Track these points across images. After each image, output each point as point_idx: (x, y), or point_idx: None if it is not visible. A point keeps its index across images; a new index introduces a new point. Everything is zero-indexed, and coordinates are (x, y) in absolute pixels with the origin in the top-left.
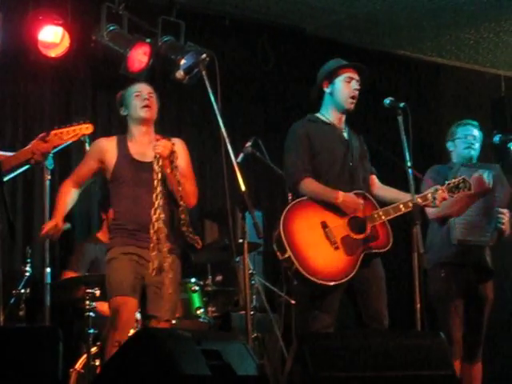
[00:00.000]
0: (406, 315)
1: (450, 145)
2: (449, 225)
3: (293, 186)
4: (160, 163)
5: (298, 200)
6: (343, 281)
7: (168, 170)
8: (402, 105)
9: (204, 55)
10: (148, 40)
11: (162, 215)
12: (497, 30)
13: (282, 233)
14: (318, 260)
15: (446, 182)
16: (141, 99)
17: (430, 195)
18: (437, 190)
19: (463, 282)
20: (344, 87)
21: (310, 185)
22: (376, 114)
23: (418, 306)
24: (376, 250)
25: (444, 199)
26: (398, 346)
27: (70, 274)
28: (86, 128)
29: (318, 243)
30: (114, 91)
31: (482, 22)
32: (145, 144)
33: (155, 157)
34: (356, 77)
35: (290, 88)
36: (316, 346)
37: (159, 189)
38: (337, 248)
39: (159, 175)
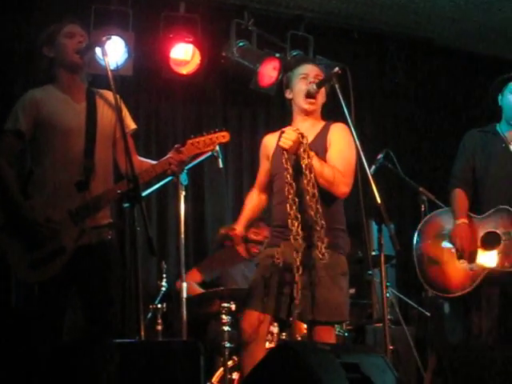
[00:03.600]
0: None
1: None
2: None
3: (448, 193)
4: (286, 156)
5: (444, 209)
6: (456, 295)
7: (304, 161)
8: None
9: (337, 68)
10: (277, 55)
11: (294, 208)
12: None
13: (415, 238)
14: (438, 270)
15: None
16: (306, 84)
17: None
18: None
19: None
20: (510, 99)
21: (453, 196)
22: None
23: None
24: (500, 268)
25: None
26: None
27: (194, 272)
28: (223, 136)
29: (445, 253)
30: (244, 106)
31: None
32: (305, 131)
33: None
34: None
35: (418, 99)
36: (456, 359)
37: (291, 181)
38: (462, 261)
39: (290, 170)
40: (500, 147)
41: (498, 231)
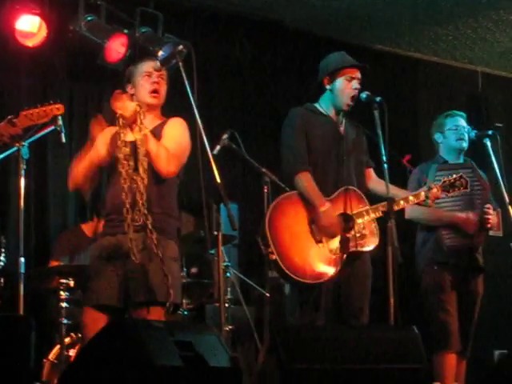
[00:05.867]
0: (382, 310)
1: (438, 137)
2: (437, 230)
3: (288, 176)
4: (121, 124)
5: (288, 194)
6: (323, 279)
7: (137, 135)
8: (378, 99)
9: (181, 46)
10: (126, 31)
11: (126, 195)
12: (474, 26)
13: (266, 227)
14: (301, 257)
15: (442, 180)
16: (150, 82)
17: (423, 193)
18: (430, 189)
19: (455, 278)
20: (344, 87)
21: (304, 180)
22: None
23: (392, 300)
24: (362, 248)
25: (437, 198)
26: (371, 340)
27: (53, 263)
28: (57, 108)
29: (303, 240)
30: (90, 81)
31: (460, 17)
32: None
33: (117, 119)
34: (357, 75)
35: (267, 80)
36: (289, 338)
37: (126, 161)
38: (322, 246)
39: (123, 138)
40: (330, 127)
41: (349, 212)
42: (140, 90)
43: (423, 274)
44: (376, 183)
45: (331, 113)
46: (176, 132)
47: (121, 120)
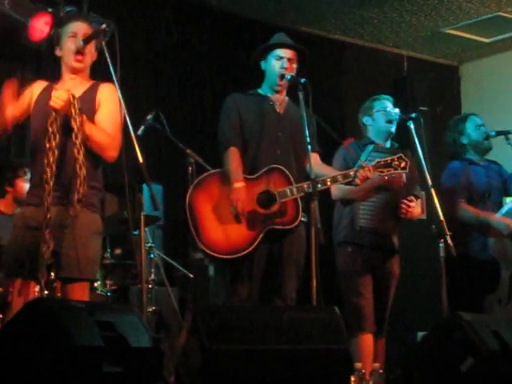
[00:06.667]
0: (305, 290)
1: (366, 119)
2: (353, 210)
3: (220, 154)
4: (53, 117)
5: (212, 171)
6: (238, 255)
7: (74, 123)
8: (302, 80)
9: (104, 25)
10: (50, 9)
11: (51, 168)
12: (400, 10)
13: (187, 202)
14: (218, 233)
15: (376, 160)
16: (75, 43)
17: (352, 173)
18: (360, 168)
19: (369, 258)
20: (273, 66)
21: (229, 157)
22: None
23: (314, 281)
24: (280, 226)
25: (367, 178)
26: (293, 320)
27: None
28: None
29: (222, 216)
30: (13, 61)
31: (386, 1)
32: (72, 88)
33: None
34: (287, 55)
35: (193, 61)
36: (211, 319)
37: (54, 142)
38: (239, 221)
39: (53, 129)
40: (269, 109)
41: (272, 190)
42: (65, 51)
43: (337, 254)
44: (320, 167)
45: (270, 93)
46: (112, 107)
47: (53, 113)
